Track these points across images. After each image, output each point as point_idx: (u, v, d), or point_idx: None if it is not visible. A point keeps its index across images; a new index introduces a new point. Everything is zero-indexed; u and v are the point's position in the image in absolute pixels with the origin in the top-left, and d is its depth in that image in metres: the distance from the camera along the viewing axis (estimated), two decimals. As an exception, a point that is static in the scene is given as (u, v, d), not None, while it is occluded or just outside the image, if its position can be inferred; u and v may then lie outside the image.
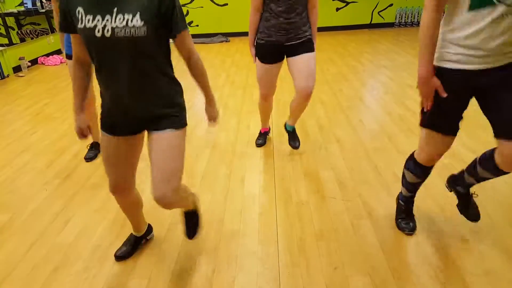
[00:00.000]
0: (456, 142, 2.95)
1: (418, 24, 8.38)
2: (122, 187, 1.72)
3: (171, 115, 1.54)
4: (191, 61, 1.56)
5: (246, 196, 2.43)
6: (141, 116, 1.53)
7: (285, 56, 2.58)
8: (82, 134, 1.66)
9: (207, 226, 2.17)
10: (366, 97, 4.12)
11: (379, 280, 1.74)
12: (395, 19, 8.26)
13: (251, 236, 2.07)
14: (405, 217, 2.06)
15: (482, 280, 1.70)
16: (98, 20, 1.34)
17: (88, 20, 1.35)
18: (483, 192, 2.31)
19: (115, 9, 1.34)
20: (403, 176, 1.97)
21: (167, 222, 2.22)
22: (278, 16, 2.39)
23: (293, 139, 2.95)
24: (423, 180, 1.91)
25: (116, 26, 1.33)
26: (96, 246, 2.06)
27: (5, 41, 6.35)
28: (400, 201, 2.09)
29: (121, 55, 1.38)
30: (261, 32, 2.53)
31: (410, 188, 1.97)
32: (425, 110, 1.64)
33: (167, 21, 1.40)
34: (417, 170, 1.85)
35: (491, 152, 1.64)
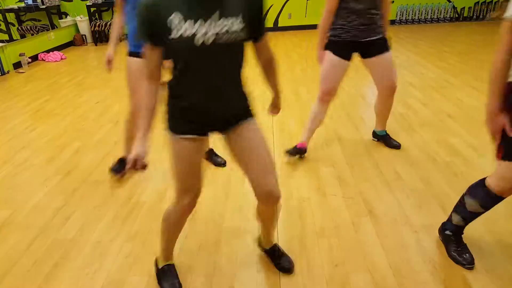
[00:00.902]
0: (458, 139, 2.95)
1: (419, 21, 8.36)
2: (195, 201, 1.56)
3: (249, 113, 1.49)
4: (271, 63, 1.51)
5: (246, 193, 2.43)
6: (224, 118, 1.45)
7: (360, 56, 2.58)
8: (138, 165, 1.37)
9: (207, 223, 2.17)
10: (368, 94, 4.11)
11: (379, 277, 1.74)
12: (396, 16, 8.24)
13: (252, 233, 2.07)
14: (458, 248, 1.83)
15: (483, 277, 1.70)
16: (199, 27, 1.20)
17: (186, 28, 1.20)
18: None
19: (217, 13, 1.22)
20: (462, 204, 1.77)
21: (168, 219, 2.22)
22: (356, 13, 2.36)
23: (390, 139, 2.93)
24: (487, 211, 1.72)
25: (218, 32, 1.22)
26: (97, 242, 2.06)
27: (6, 37, 6.35)
28: (447, 231, 1.87)
29: (215, 61, 1.28)
30: (335, 29, 2.47)
31: (468, 217, 1.77)
32: (496, 144, 1.59)
33: (255, 22, 1.33)
34: (487, 200, 1.67)
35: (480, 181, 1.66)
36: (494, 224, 2.03)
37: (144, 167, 1.38)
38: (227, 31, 1.23)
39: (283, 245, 1.95)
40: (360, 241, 1.97)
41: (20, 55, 6.10)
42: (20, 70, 6.00)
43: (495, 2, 8.14)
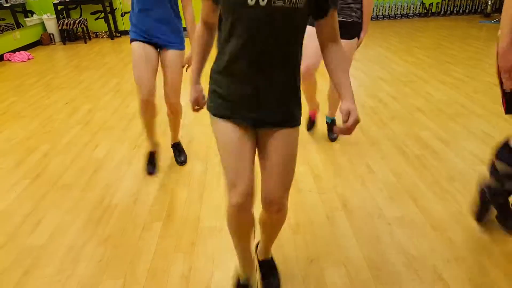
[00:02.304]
0: (428, 133, 3.03)
1: (389, 17, 8.53)
2: (245, 201, 1.30)
3: (294, 118, 1.31)
4: (335, 46, 1.25)
5: (223, 192, 2.42)
6: (270, 103, 1.26)
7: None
8: (198, 105, 1.44)
9: (183, 223, 2.15)
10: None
11: (354, 270, 1.77)
12: (367, 12, 8.36)
13: (228, 232, 2.06)
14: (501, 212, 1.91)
15: (453, 266, 1.75)
16: None
17: None
18: (452, 183, 2.38)
19: None
20: (495, 170, 1.80)
21: (142, 220, 2.19)
22: None
23: (329, 131, 3.02)
24: None
25: None
26: (69, 248, 2.01)
27: (-33, 37, 6.08)
28: (500, 199, 1.89)
29: (271, 28, 1.14)
30: None
31: (504, 181, 1.80)
32: (505, 88, 1.57)
33: None
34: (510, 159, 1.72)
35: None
36: (463, 214, 2.09)
37: (201, 107, 1.46)
38: None
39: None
40: (335, 235, 2.00)
41: (-16, 55, 5.86)
42: (-16, 71, 5.77)
43: (461, -2, 8.39)
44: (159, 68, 2.42)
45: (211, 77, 1.34)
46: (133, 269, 1.84)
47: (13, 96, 4.55)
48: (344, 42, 2.26)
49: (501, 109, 1.76)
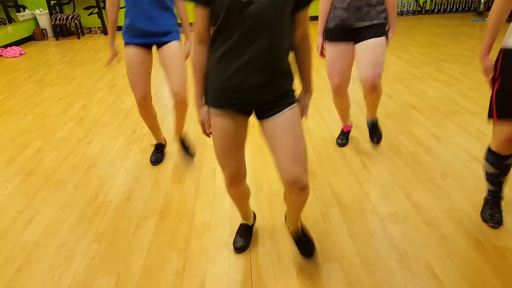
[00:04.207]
0: (422, 130, 3.05)
1: (384, 14, 8.53)
2: (235, 182, 1.61)
3: (289, 95, 1.44)
4: (305, 41, 1.44)
5: (217, 188, 2.42)
6: (260, 95, 1.39)
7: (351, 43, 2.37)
8: (207, 128, 1.51)
9: (177, 220, 2.15)
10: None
11: (348, 266, 1.78)
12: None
13: (223, 228, 2.06)
14: (491, 209, 1.99)
15: (446, 262, 1.77)
16: None
17: None
18: (445, 180, 2.40)
19: None
20: (484, 170, 1.95)
21: (136, 217, 2.18)
22: None
23: (373, 134, 2.75)
24: (502, 172, 1.87)
25: None
26: (62, 244, 1.99)
27: (-42, 31, 6.00)
28: (487, 196, 2.04)
29: (261, 25, 1.25)
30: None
31: (492, 180, 1.95)
32: (491, 88, 1.75)
33: None
34: (492, 160, 1.85)
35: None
36: (456, 210, 2.11)
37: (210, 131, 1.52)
38: None
39: (253, 238, 1.96)
40: (328, 231, 2.01)
41: (-25, 50, 5.80)
42: (-25, 66, 5.70)
43: (454, -4, 8.43)
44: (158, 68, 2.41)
45: (208, 70, 1.43)
46: (127, 266, 1.84)
47: (6, 92, 4.50)
48: (377, 40, 2.27)
49: (494, 106, 1.78)
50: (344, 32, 2.33)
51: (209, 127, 1.50)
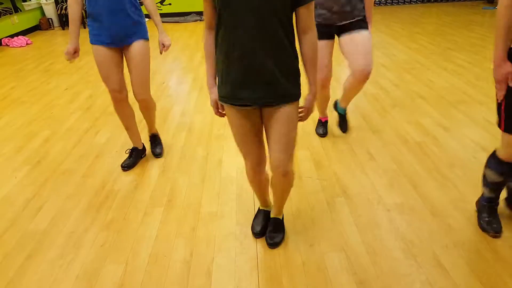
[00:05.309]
0: (429, 120, 3.02)
1: (391, 3, 8.42)
2: (257, 170, 1.71)
3: (288, 87, 1.45)
4: (308, 37, 1.42)
5: (223, 178, 2.43)
6: (265, 82, 1.42)
7: (335, 36, 2.43)
8: (220, 108, 1.60)
9: (184, 209, 2.16)
10: (341, 77, 4.13)
11: (353, 255, 1.79)
12: (369, -2, 8.25)
13: (229, 218, 2.08)
14: (488, 217, 1.90)
15: (452, 252, 1.77)
16: None
17: None
18: (453, 170, 2.39)
19: None
20: (484, 176, 1.86)
21: (143, 206, 2.20)
22: None
23: (345, 122, 2.87)
24: (506, 178, 1.79)
25: None
26: (70, 233, 2.02)
27: (-35, 21, 6.02)
28: (483, 202, 1.93)
29: (258, 13, 1.29)
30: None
31: (492, 188, 1.85)
32: (498, 99, 1.62)
33: None
34: (500, 168, 1.76)
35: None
36: (463, 201, 2.10)
37: (223, 111, 1.60)
38: None
39: (259, 228, 1.97)
40: (334, 221, 2.01)
41: (-18, 40, 5.82)
42: (-17, 56, 5.73)
43: (464, -17, 8.27)
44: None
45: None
46: (135, 254, 1.86)
47: (13, 81, 4.53)
48: (364, 33, 2.33)
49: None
50: (328, 29, 2.39)
51: (222, 106, 1.58)
